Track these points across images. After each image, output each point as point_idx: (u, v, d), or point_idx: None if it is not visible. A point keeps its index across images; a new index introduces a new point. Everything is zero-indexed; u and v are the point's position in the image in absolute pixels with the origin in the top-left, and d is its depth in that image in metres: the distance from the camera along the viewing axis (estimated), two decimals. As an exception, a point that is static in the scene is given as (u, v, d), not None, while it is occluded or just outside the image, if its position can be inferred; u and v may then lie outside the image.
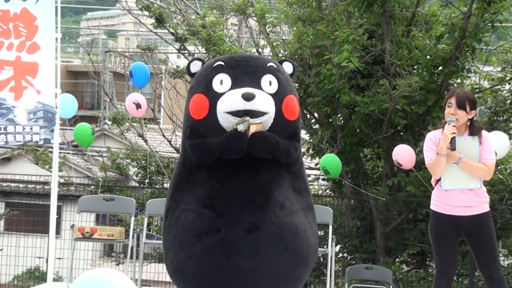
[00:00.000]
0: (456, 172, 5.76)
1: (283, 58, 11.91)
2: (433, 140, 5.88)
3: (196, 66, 4.90)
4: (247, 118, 4.56)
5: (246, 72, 4.71)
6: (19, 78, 7.61)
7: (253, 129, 4.59)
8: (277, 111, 4.66)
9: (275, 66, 4.85)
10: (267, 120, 4.63)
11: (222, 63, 4.79)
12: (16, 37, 7.61)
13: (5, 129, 7.62)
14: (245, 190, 4.62)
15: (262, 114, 4.59)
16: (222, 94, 4.63)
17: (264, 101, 4.60)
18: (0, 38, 7.58)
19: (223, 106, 4.59)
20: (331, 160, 9.36)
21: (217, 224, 4.55)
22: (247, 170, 4.65)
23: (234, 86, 4.65)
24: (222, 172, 4.65)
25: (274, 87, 4.71)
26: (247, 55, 5.16)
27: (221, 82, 4.67)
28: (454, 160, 5.72)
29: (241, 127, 4.57)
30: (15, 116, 7.62)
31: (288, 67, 4.97)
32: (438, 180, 5.86)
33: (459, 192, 5.77)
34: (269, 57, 5.30)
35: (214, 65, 4.81)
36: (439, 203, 5.86)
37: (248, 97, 4.54)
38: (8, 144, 7.96)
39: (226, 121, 4.59)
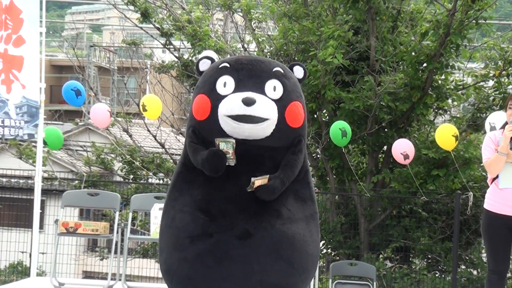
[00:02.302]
0: None
1: (268, 54, 11.94)
2: (492, 139, 5.91)
3: (205, 65, 4.79)
4: (232, 140, 4.47)
5: (250, 75, 4.60)
6: (7, 71, 7.53)
7: (258, 183, 4.49)
8: (280, 117, 4.54)
9: (282, 71, 4.71)
10: (268, 127, 4.52)
11: (227, 65, 4.68)
12: (3, 29, 7.55)
13: (2, 122, 7.54)
14: (241, 196, 4.53)
15: (262, 120, 4.48)
16: (224, 96, 4.55)
17: (265, 107, 4.49)
18: (-10, 30, 7.53)
19: (223, 110, 4.50)
20: (345, 125, 9.30)
21: (210, 229, 4.50)
22: (244, 176, 4.55)
23: (237, 89, 4.55)
24: (219, 177, 4.56)
25: (278, 93, 4.60)
26: (253, 58, 5.00)
27: (225, 84, 4.58)
28: None
29: (222, 146, 4.47)
30: (9, 109, 7.53)
31: (298, 72, 4.82)
32: (494, 180, 5.89)
33: None
34: (278, 61, 5.12)
35: (220, 66, 4.70)
36: (493, 202, 5.90)
37: (248, 102, 4.44)
38: (4, 137, 7.86)
39: (226, 125, 4.51)
